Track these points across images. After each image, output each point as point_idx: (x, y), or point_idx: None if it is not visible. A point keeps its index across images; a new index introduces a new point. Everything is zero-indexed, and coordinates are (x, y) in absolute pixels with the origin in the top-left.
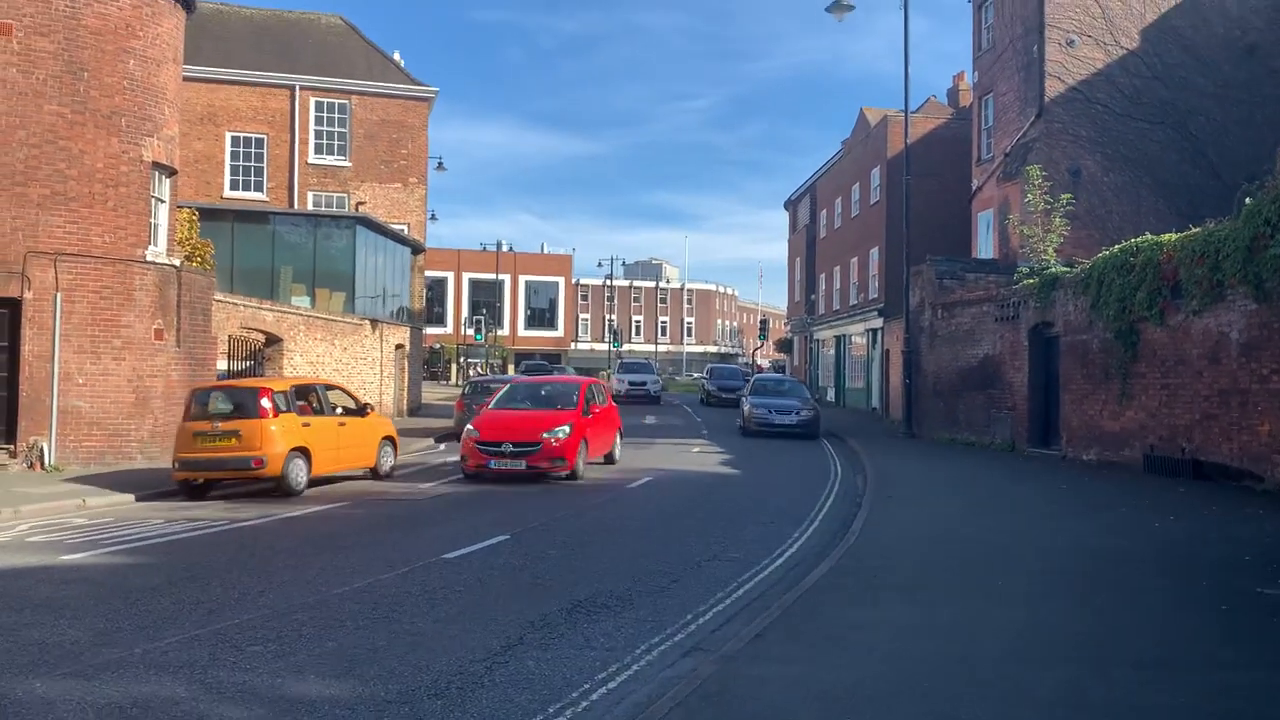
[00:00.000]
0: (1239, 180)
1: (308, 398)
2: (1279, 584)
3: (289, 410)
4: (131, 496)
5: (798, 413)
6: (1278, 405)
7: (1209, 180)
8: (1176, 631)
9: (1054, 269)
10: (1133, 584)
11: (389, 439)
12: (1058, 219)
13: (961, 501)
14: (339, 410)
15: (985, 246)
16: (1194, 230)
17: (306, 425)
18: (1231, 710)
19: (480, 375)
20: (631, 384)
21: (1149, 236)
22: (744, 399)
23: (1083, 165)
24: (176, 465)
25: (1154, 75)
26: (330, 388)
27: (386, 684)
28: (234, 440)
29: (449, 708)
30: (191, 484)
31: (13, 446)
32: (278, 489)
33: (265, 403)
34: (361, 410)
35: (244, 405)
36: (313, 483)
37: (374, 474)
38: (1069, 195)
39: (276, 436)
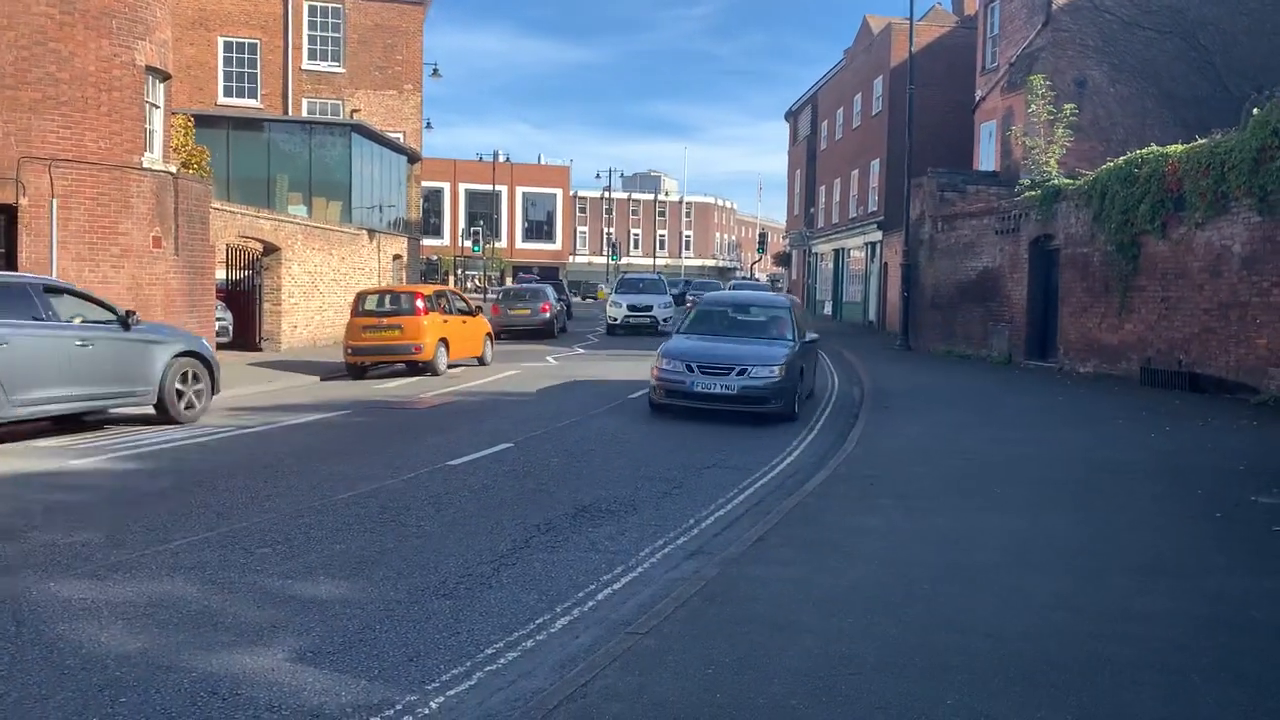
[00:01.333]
0: (1247, 91)
1: (440, 302)
2: (1272, 492)
3: (434, 310)
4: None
5: (754, 369)
6: (1276, 319)
7: (1216, 91)
8: (1171, 539)
9: (1056, 181)
10: (1128, 493)
11: (489, 335)
12: (1061, 130)
13: (959, 413)
14: (457, 312)
15: (987, 158)
16: (1200, 141)
17: (445, 322)
18: (1221, 615)
19: (524, 280)
20: (632, 309)
21: (1154, 148)
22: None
23: (1089, 76)
24: (349, 351)
25: None
26: (455, 294)
27: (395, 584)
28: (396, 332)
29: (458, 607)
30: (360, 366)
31: None
32: (427, 369)
33: (420, 303)
34: (472, 313)
35: (403, 305)
36: (450, 365)
37: (480, 361)
38: (1073, 106)
39: (428, 329)
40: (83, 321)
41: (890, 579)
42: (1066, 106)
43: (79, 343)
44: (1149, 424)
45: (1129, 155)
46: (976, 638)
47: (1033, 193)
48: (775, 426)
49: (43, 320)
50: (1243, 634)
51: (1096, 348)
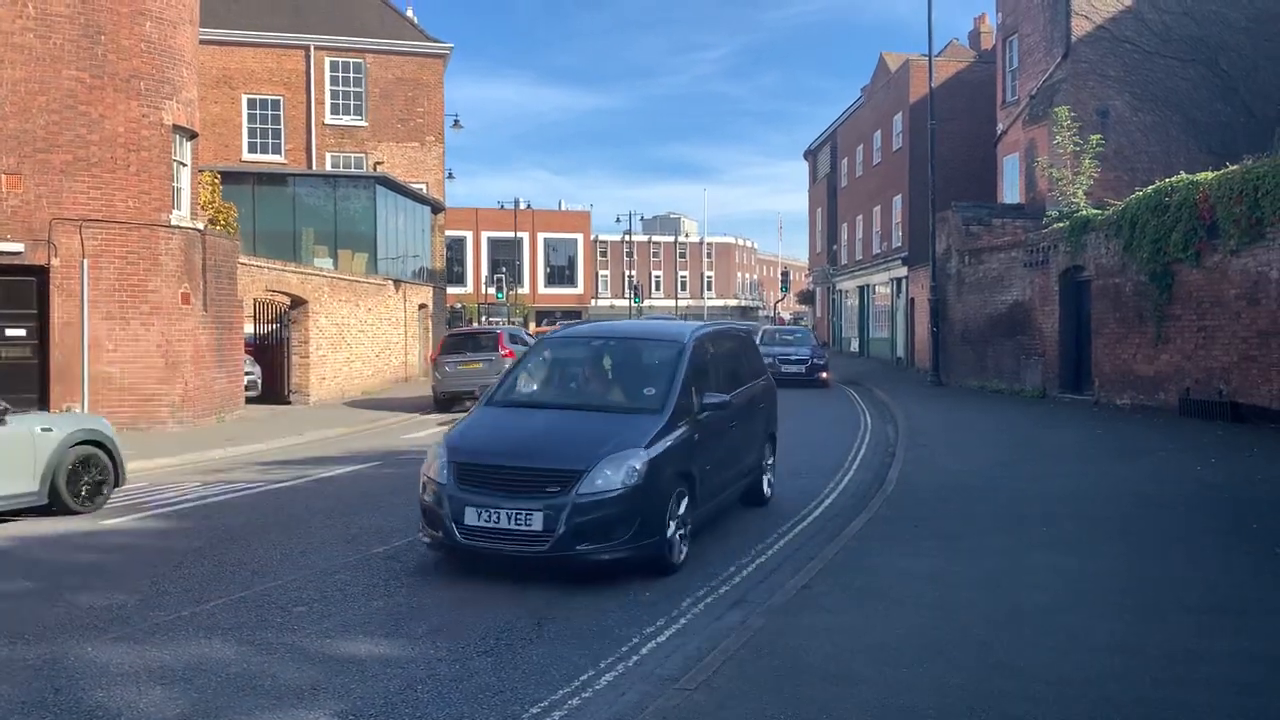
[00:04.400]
0: (1271, 116)
1: (515, 340)
2: None
3: (512, 348)
4: (165, 461)
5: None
6: None
7: (1241, 117)
8: (1228, 576)
9: (1085, 211)
10: (1179, 528)
11: None
12: (1087, 161)
13: (996, 448)
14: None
15: (1011, 191)
16: (1231, 168)
17: None
18: None
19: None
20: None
21: (1184, 176)
22: None
23: (1111, 105)
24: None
25: (1183, 10)
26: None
27: (434, 641)
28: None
29: (500, 664)
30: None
31: None
32: None
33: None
34: None
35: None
36: None
37: None
38: (1099, 136)
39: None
40: None
41: (944, 625)
42: (1093, 137)
43: None
44: (1194, 456)
45: (1158, 184)
46: (1038, 684)
47: (1061, 224)
48: (812, 472)
49: None
50: None
51: (1132, 379)
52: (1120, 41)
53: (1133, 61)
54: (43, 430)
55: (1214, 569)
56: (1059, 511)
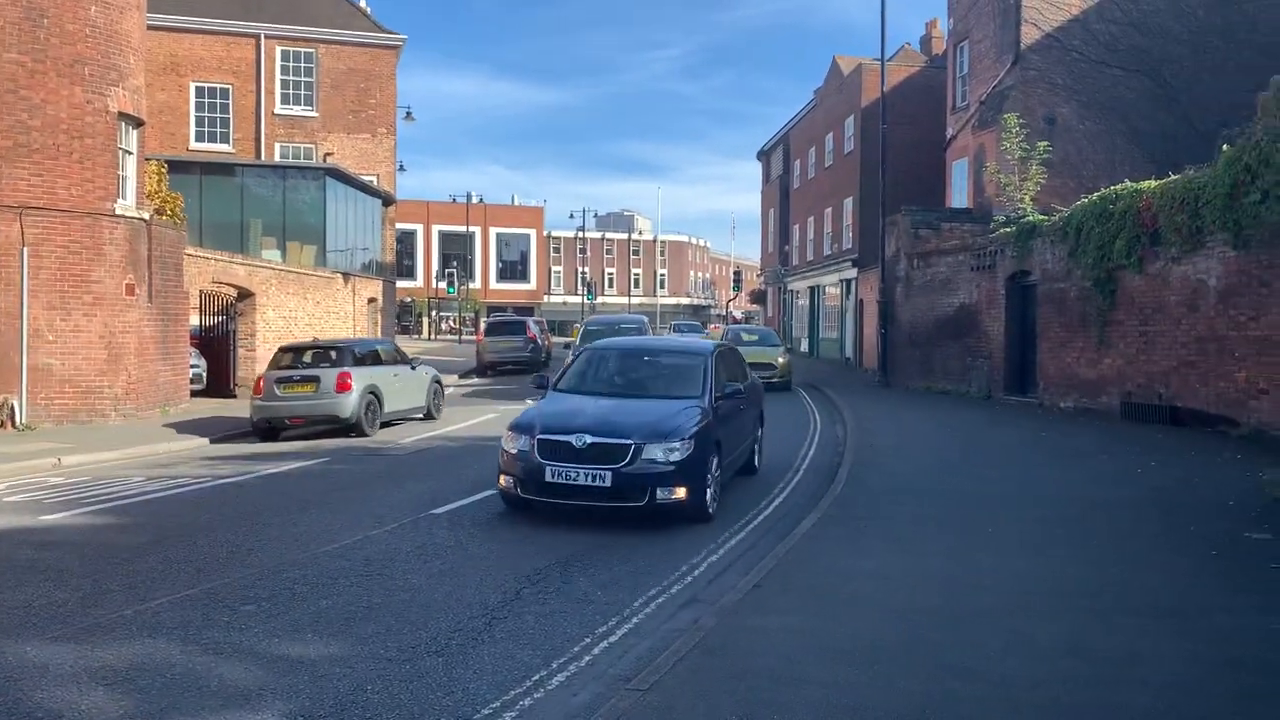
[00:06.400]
0: (1212, 127)
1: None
2: (1264, 528)
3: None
4: (107, 455)
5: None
6: (1255, 352)
7: (1182, 128)
8: (1171, 578)
9: (1031, 217)
10: (1122, 530)
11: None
12: (1035, 167)
13: (943, 450)
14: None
15: (959, 195)
16: (1174, 178)
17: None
18: (1231, 656)
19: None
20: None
21: (1128, 184)
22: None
23: (1058, 113)
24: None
25: (1129, 21)
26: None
27: (385, 641)
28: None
29: (451, 664)
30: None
31: None
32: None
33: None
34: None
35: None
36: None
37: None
38: (1046, 143)
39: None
40: None
41: (894, 626)
42: (1040, 144)
43: None
44: (1135, 459)
45: (1103, 191)
46: (986, 686)
47: (1008, 229)
48: (763, 471)
49: None
50: (1257, 675)
51: (1076, 382)
52: (1068, 50)
53: (1080, 70)
54: (425, 371)
55: (1155, 571)
56: (1004, 513)
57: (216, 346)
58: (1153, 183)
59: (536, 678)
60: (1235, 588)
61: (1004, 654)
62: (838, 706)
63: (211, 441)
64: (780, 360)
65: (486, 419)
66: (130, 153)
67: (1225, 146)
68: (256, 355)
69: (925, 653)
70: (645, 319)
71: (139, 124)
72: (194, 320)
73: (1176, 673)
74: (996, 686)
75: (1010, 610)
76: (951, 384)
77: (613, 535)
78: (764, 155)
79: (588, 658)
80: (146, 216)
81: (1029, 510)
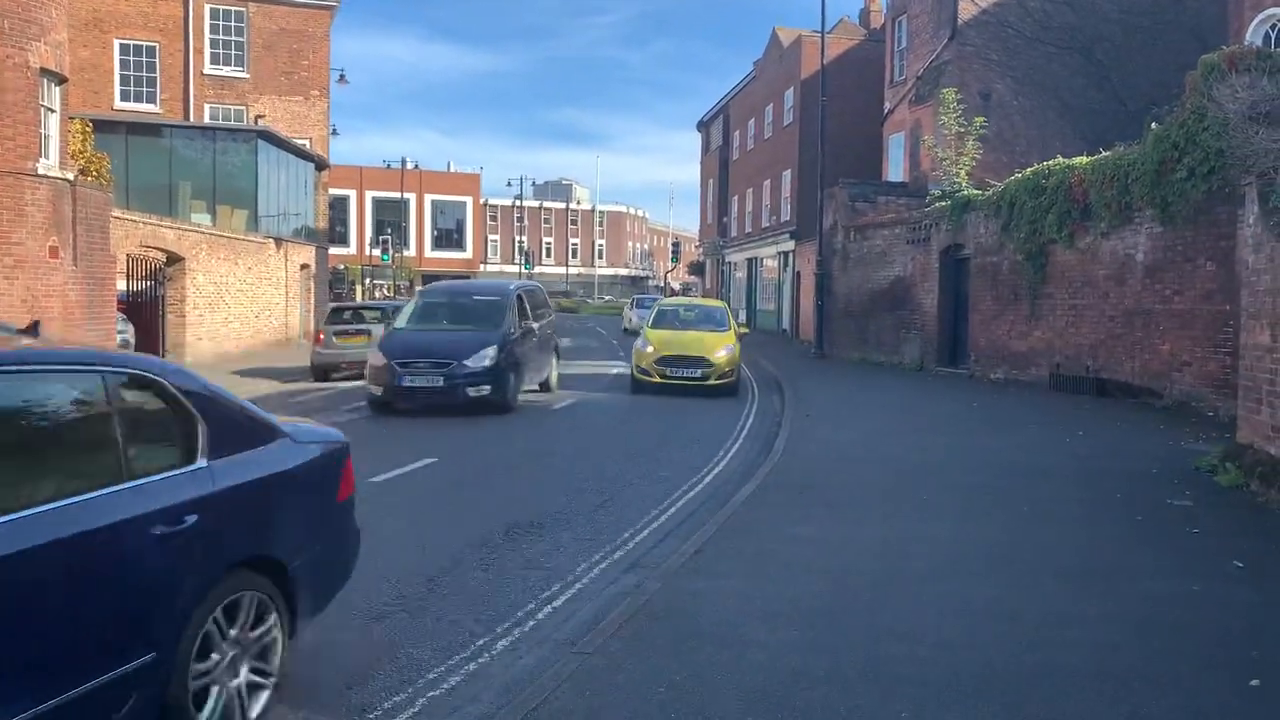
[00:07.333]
0: (1142, 106)
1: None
2: (1186, 495)
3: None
4: None
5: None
6: (1179, 325)
7: (1113, 105)
8: (1097, 543)
9: (966, 192)
10: (1051, 498)
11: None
12: (971, 142)
13: (878, 419)
14: None
15: (896, 169)
16: (1104, 154)
17: None
18: (1153, 617)
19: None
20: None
21: (1061, 160)
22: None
23: (993, 89)
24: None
25: (1063, 0)
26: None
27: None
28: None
29: (393, 630)
30: None
31: None
32: None
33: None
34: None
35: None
36: None
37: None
38: (982, 119)
39: None
40: None
41: (832, 589)
42: (977, 119)
43: None
44: (1063, 429)
45: (1036, 167)
46: (923, 647)
47: (943, 203)
48: (703, 440)
49: None
50: (1176, 636)
51: (1006, 354)
52: (1004, 26)
53: (1014, 46)
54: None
55: (1082, 536)
56: (938, 481)
57: (145, 312)
58: (1084, 159)
59: (480, 643)
60: (1158, 552)
61: (940, 616)
62: (781, 668)
63: None
64: (721, 355)
65: None
66: (53, 110)
67: (1154, 125)
68: (186, 321)
69: (865, 616)
70: (511, 287)
71: (62, 80)
72: (121, 285)
73: (1104, 633)
74: (934, 648)
75: (945, 574)
76: (886, 355)
77: (561, 502)
78: (703, 126)
79: (531, 623)
80: (71, 177)
81: (962, 478)
